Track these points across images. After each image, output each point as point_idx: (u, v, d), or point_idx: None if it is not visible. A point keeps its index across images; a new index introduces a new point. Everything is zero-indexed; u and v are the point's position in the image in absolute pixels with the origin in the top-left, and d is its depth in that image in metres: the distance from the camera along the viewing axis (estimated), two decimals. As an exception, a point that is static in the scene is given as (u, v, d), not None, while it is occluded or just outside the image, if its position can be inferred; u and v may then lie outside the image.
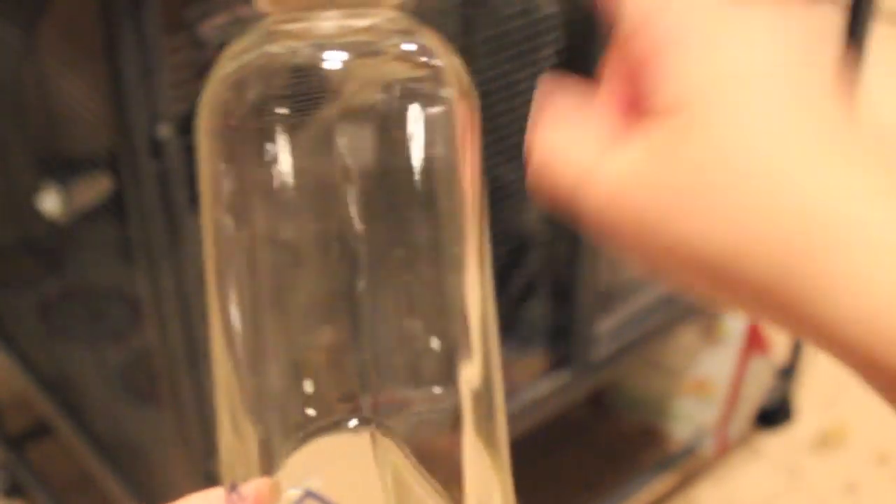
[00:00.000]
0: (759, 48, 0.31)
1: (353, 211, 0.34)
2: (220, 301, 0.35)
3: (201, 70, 1.01)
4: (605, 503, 1.57)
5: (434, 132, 0.34)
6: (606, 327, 1.36)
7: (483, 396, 0.35)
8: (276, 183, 0.33)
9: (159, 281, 0.96)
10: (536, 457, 1.64)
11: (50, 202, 1.15)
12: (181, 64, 0.94)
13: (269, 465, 0.34)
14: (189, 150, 0.94)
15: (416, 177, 0.34)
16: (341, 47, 0.33)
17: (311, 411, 0.34)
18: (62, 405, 1.34)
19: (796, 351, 1.72)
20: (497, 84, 1.07)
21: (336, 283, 0.34)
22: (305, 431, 0.34)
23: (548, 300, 1.31)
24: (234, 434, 0.35)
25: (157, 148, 0.90)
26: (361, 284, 0.34)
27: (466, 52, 1.19)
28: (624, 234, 0.32)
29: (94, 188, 1.14)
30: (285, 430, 0.34)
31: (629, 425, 1.70)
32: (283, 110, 0.33)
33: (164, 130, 0.89)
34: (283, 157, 0.33)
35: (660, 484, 1.62)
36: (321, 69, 0.33)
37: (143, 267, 0.97)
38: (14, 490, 1.61)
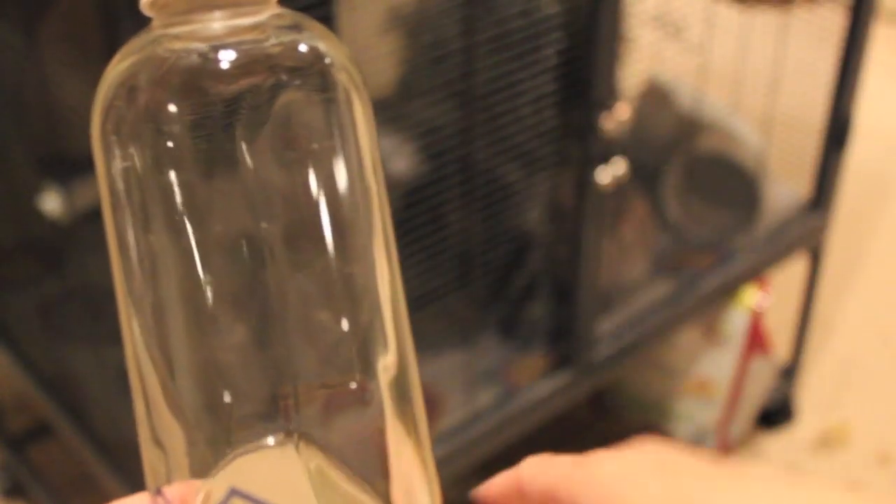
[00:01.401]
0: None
1: (257, 210, 0.34)
2: (130, 306, 0.35)
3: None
4: (606, 503, 1.56)
5: (329, 127, 0.35)
6: (607, 328, 1.36)
7: (400, 384, 0.36)
8: (172, 186, 0.34)
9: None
10: (537, 457, 1.63)
11: (50, 202, 1.15)
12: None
13: (196, 469, 0.34)
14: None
15: (316, 173, 0.34)
16: (229, 47, 0.33)
17: (233, 415, 0.34)
18: (62, 405, 1.34)
19: (798, 351, 1.72)
20: (497, 84, 1.07)
21: (245, 283, 0.34)
22: (230, 435, 0.34)
23: (549, 300, 1.31)
24: (154, 442, 0.35)
25: (157, 148, 0.90)
26: (271, 283, 0.34)
27: (466, 52, 1.19)
28: None
29: (95, 188, 1.14)
30: (210, 435, 0.34)
31: (629, 425, 1.70)
32: (173, 113, 0.33)
33: (165, 130, 0.89)
34: (179, 161, 0.33)
35: (660, 484, 1.61)
36: (210, 70, 0.33)
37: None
38: (14, 490, 1.61)
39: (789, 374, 1.74)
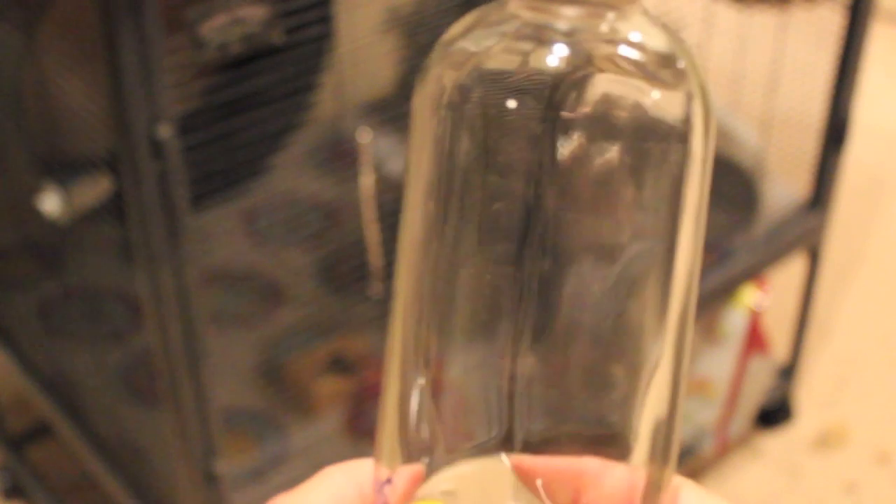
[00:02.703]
0: None
1: (556, 223, 0.32)
2: (411, 295, 0.33)
3: (201, 70, 1.01)
4: (605, 503, 1.57)
5: (664, 151, 0.32)
6: (606, 327, 1.36)
7: (658, 441, 0.34)
8: (485, 177, 0.32)
9: (159, 281, 0.96)
10: (536, 457, 1.63)
11: (50, 202, 1.15)
12: (181, 64, 0.94)
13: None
14: (188, 151, 0.95)
15: (636, 197, 0.32)
16: (580, 47, 0.31)
17: (465, 439, 0.33)
18: (62, 405, 1.34)
19: (796, 351, 1.72)
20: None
21: (520, 299, 0.32)
22: (455, 453, 0.32)
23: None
24: (388, 429, 0.33)
25: (157, 148, 0.90)
26: (544, 306, 0.32)
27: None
28: None
29: (94, 188, 1.14)
30: (436, 452, 0.33)
31: (629, 425, 1.70)
32: (507, 102, 0.31)
33: (164, 130, 0.89)
34: (500, 150, 0.32)
35: (660, 484, 1.61)
36: (554, 67, 0.31)
37: (143, 267, 0.97)
38: (14, 491, 1.61)
39: (788, 373, 1.74)
